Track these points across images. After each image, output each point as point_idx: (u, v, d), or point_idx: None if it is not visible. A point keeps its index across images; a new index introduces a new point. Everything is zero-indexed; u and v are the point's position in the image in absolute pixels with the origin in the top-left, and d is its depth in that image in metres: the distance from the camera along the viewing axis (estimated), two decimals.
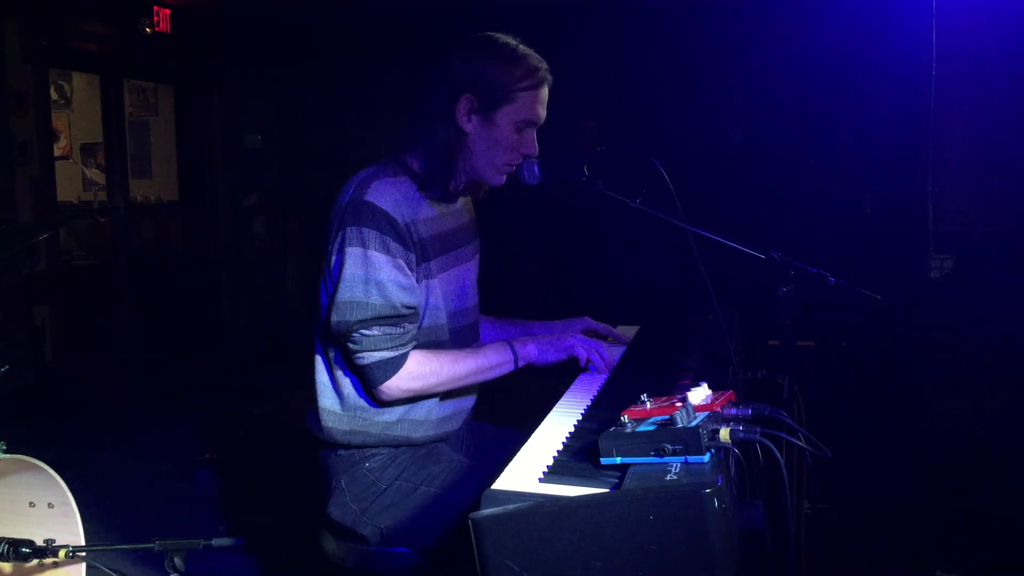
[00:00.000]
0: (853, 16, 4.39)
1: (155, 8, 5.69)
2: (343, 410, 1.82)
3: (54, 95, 6.07)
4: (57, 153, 5.96)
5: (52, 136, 5.48)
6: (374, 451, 1.84)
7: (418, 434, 1.85)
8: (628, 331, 2.34)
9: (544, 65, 1.82)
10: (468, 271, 1.99)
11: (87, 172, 6.80)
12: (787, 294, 1.70)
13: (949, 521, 2.96)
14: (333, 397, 1.83)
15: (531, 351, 1.89)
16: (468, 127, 1.79)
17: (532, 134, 1.84)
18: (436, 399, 1.86)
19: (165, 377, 5.65)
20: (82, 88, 6.59)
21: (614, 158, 1.80)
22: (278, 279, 6.88)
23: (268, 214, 6.89)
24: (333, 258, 1.73)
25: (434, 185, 1.81)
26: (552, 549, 1.12)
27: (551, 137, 1.86)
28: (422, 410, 1.84)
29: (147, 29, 5.67)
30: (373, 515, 1.81)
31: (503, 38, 1.81)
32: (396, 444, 1.84)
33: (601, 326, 2.18)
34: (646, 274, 5.04)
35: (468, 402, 1.99)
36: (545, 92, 1.82)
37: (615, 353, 2.04)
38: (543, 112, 1.83)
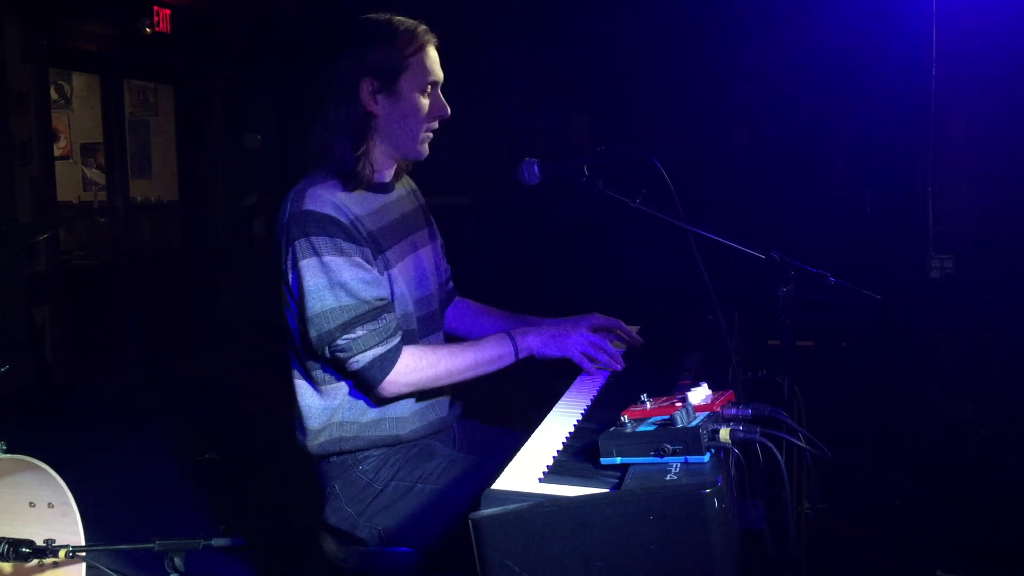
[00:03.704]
0: (853, 16, 4.38)
1: (155, 8, 5.70)
2: (329, 426, 1.81)
3: (54, 95, 6.07)
4: (57, 153, 5.96)
5: (52, 136, 5.48)
6: (366, 453, 1.83)
7: (406, 431, 1.84)
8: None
9: (422, 27, 1.83)
10: (426, 257, 1.97)
11: (87, 172, 6.80)
12: (787, 294, 1.70)
13: (949, 521, 2.95)
14: (319, 416, 1.81)
15: (532, 343, 1.87)
16: (377, 108, 1.79)
17: (438, 95, 1.85)
18: (413, 397, 1.84)
19: (165, 377, 5.65)
20: (82, 88, 6.59)
21: (614, 158, 1.80)
22: (278, 279, 6.87)
23: (268, 214, 6.89)
24: (290, 276, 1.73)
25: (358, 178, 1.80)
26: (552, 549, 1.12)
27: (544, 133, 1.85)
28: (403, 405, 1.83)
29: (147, 29, 5.67)
30: (370, 517, 1.80)
31: (374, 17, 1.83)
32: (387, 444, 1.83)
33: (610, 321, 2.16)
34: (646, 274, 5.03)
35: (446, 397, 1.97)
36: (433, 51, 1.83)
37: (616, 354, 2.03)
38: (439, 71, 1.84)
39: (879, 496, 3.20)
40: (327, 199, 1.73)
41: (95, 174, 6.70)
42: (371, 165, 1.84)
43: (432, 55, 1.83)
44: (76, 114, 6.69)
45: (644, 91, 5.54)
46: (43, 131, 5.15)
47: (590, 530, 1.11)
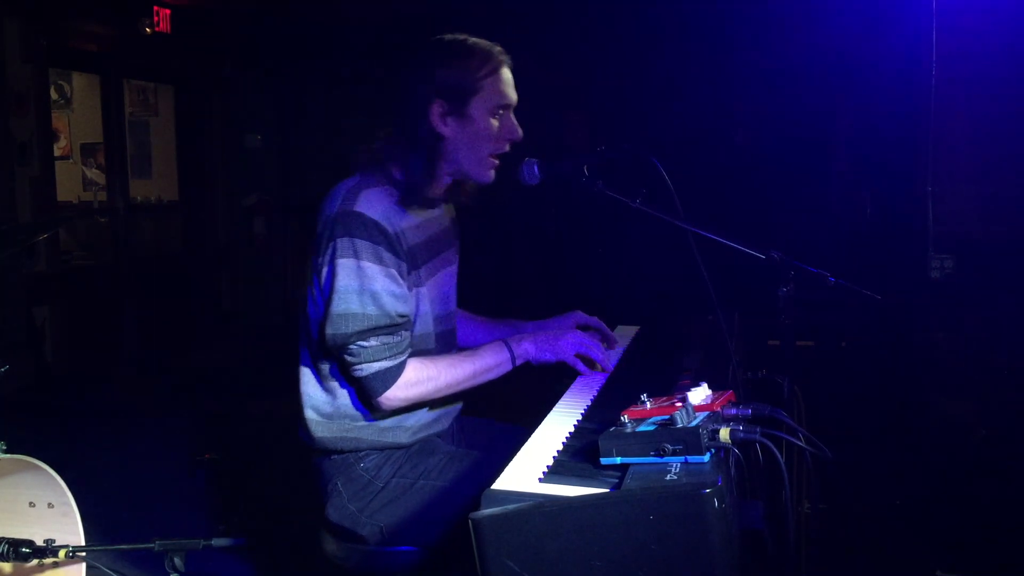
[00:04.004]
0: (853, 16, 4.38)
1: (155, 8, 5.69)
2: (332, 419, 1.82)
3: (54, 95, 6.07)
4: (57, 153, 5.96)
5: (52, 136, 5.49)
6: (367, 452, 1.84)
7: (406, 439, 1.85)
8: (628, 331, 2.34)
9: (497, 48, 1.82)
10: (451, 275, 2.00)
11: (87, 172, 6.81)
12: (787, 294, 1.70)
13: (949, 521, 2.95)
14: (321, 408, 1.82)
15: (528, 349, 1.89)
16: (447, 130, 1.79)
17: (510, 118, 1.83)
18: (426, 407, 1.86)
19: (165, 377, 5.65)
20: (82, 88, 6.60)
21: (615, 158, 1.80)
22: (278, 279, 6.89)
23: (268, 214, 6.89)
24: (324, 270, 1.72)
25: (416, 194, 1.80)
26: (552, 549, 1.12)
27: (541, 133, 1.86)
28: (413, 418, 1.85)
29: (147, 29, 5.67)
30: (372, 513, 1.81)
31: (449, 37, 1.82)
32: (385, 448, 1.85)
33: (592, 319, 2.19)
34: (646, 274, 5.04)
35: (455, 408, 2.00)
36: (507, 73, 1.82)
37: (612, 357, 2.04)
38: (513, 93, 1.83)
39: (879, 496, 3.20)
40: (378, 205, 1.73)
41: (95, 174, 6.70)
42: (434, 186, 1.83)
43: (506, 77, 1.81)
44: (76, 114, 6.69)
45: (644, 91, 5.54)
46: (43, 131, 5.15)
47: (590, 530, 1.11)
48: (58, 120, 6.34)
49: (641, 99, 5.54)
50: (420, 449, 1.87)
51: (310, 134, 6.78)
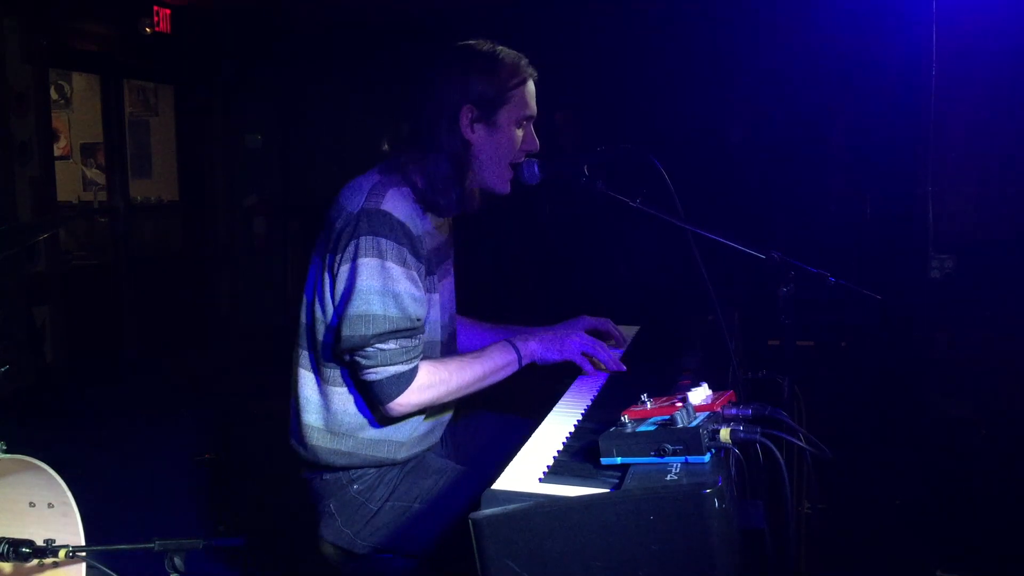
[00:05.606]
0: (853, 16, 4.38)
1: (155, 8, 5.69)
2: (328, 427, 1.79)
3: (54, 95, 6.07)
4: (57, 153, 5.96)
5: (52, 136, 5.48)
6: (360, 472, 1.81)
7: (401, 454, 1.83)
8: (628, 331, 2.34)
9: (524, 60, 1.83)
10: (452, 282, 2.00)
11: (87, 172, 6.80)
12: (787, 294, 1.70)
13: (949, 521, 2.95)
14: (319, 413, 1.79)
15: (534, 349, 1.88)
16: (473, 137, 1.78)
17: (531, 129, 1.85)
18: (420, 417, 1.84)
19: (165, 377, 5.65)
20: (82, 88, 6.59)
21: (614, 158, 1.80)
22: (278, 279, 6.88)
23: (268, 214, 6.89)
24: (343, 267, 1.68)
25: (439, 202, 1.78)
26: (552, 549, 1.12)
27: (539, 133, 1.86)
28: (405, 429, 1.82)
29: (147, 29, 5.67)
30: (367, 536, 1.79)
31: (480, 44, 1.82)
32: (380, 464, 1.82)
33: (599, 321, 2.18)
34: (646, 274, 5.04)
35: (447, 417, 1.99)
36: (532, 85, 1.84)
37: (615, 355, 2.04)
38: (535, 106, 1.84)
39: (879, 496, 3.20)
40: (405, 207, 1.71)
41: (95, 174, 6.70)
42: (457, 197, 1.82)
43: (531, 89, 1.83)
44: (76, 114, 6.69)
45: (643, 90, 5.54)
46: (43, 131, 5.15)
47: (590, 530, 1.11)
48: (58, 120, 6.34)
49: (640, 99, 5.54)
50: (414, 468, 1.85)
51: (310, 134, 6.78)
